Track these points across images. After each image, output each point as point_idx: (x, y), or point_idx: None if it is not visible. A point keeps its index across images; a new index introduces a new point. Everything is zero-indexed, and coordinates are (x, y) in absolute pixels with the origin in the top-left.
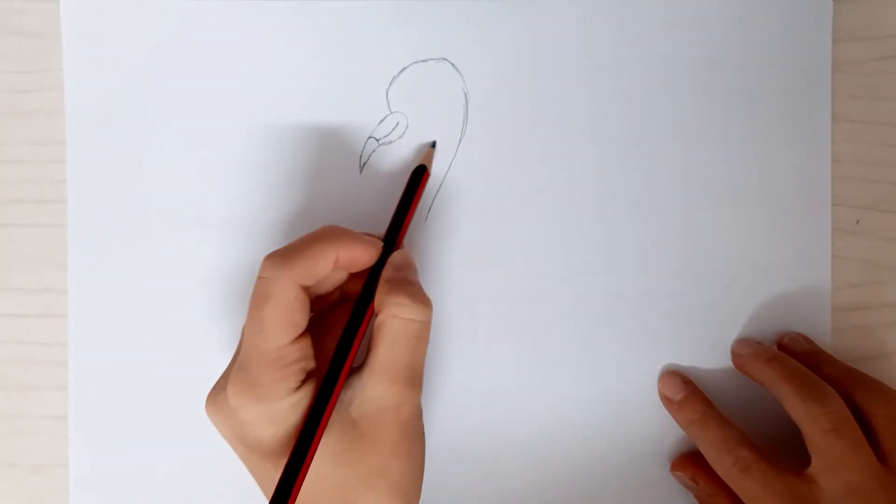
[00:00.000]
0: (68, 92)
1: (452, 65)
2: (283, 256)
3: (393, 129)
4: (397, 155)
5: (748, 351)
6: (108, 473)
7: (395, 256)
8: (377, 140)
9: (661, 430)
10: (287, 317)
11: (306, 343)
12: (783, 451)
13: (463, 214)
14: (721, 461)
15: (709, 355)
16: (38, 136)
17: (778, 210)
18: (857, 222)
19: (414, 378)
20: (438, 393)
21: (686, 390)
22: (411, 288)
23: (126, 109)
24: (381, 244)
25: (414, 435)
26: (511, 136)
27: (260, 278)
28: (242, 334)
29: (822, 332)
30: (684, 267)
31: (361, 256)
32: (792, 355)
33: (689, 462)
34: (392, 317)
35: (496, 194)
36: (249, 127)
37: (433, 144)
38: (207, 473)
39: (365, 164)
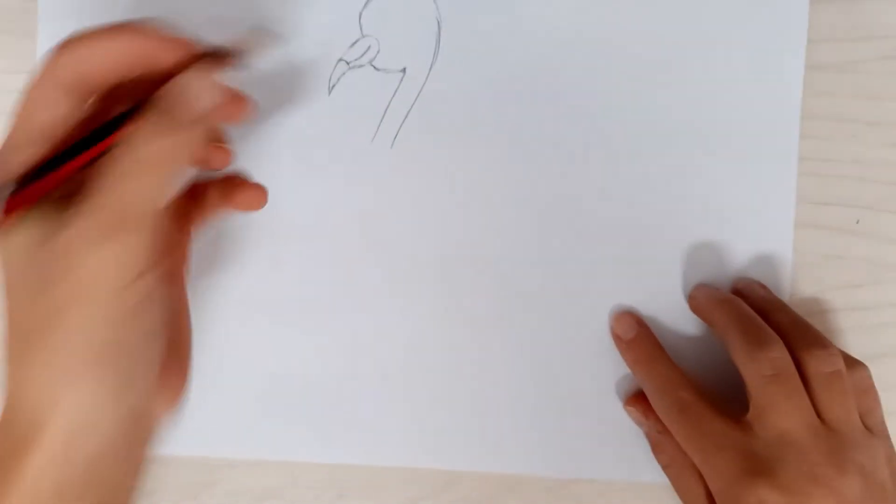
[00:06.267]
0: None
1: None
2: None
3: (364, 53)
4: (367, 79)
5: (702, 293)
6: None
7: (189, 75)
8: (347, 63)
9: (618, 367)
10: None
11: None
12: (730, 398)
13: (429, 143)
14: (661, 402)
15: (666, 300)
16: None
17: (744, 155)
18: (857, 222)
19: (138, 220)
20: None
21: (637, 330)
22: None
23: None
24: (195, 50)
25: (134, 292)
26: (482, 66)
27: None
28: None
29: (782, 280)
30: (648, 211)
31: (156, 54)
32: (745, 301)
33: (643, 398)
34: (130, 145)
35: (463, 125)
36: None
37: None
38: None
39: (334, 86)
